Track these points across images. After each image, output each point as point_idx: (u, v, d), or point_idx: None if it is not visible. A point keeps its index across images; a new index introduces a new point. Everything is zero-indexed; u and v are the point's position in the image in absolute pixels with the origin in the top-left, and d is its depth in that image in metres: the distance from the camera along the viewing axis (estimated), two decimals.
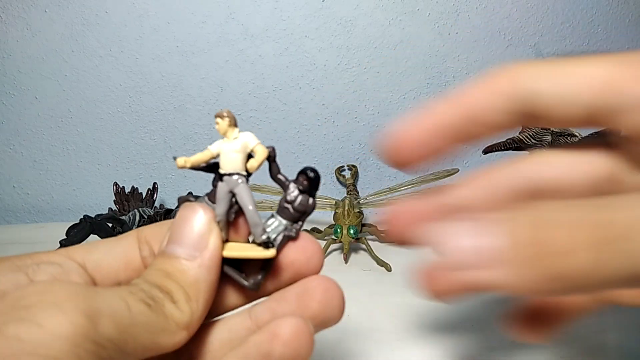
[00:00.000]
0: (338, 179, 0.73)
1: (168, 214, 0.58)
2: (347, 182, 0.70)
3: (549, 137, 0.56)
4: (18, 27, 0.68)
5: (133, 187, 0.67)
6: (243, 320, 0.25)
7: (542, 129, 0.58)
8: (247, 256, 0.25)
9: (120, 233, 0.59)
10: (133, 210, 0.63)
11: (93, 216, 0.59)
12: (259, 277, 0.25)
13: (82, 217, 0.59)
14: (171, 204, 0.71)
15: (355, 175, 0.72)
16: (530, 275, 0.19)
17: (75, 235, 0.58)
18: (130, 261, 0.26)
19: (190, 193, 0.28)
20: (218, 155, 0.25)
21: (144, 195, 0.67)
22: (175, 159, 0.25)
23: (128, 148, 0.72)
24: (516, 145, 0.56)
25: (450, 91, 0.24)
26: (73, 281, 0.23)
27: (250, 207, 0.25)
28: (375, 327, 0.44)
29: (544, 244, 0.18)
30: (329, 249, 0.60)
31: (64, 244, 0.58)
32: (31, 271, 0.22)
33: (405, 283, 0.52)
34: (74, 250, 0.25)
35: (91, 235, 0.58)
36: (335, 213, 0.61)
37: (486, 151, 0.56)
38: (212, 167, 0.26)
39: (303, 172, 0.26)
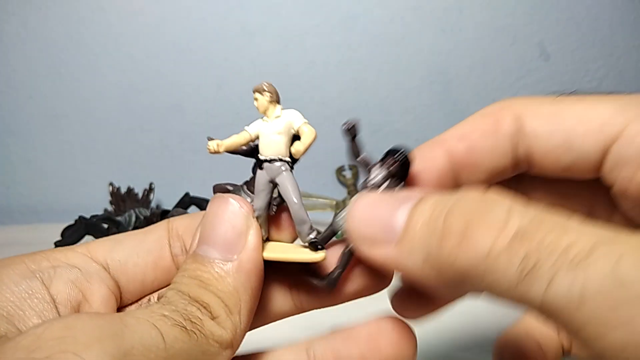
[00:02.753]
0: (339, 179, 0.72)
1: (164, 214, 0.57)
2: (348, 182, 0.69)
3: None
4: (13, 25, 0.68)
5: (129, 187, 0.66)
6: (298, 357, 0.22)
7: None
8: (291, 259, 0.21)
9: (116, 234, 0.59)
10: (129, 210, 0.62)
11: (88, 217, 0.58)
12: (335, 274, 0.21)
13: (77, 217, 0.58)
14: (168, 204, 0.70)
15: (356, 175, 0.71)
16: (418, 260, 0.17)
17: (70, 236, 0.57)
18: (159, 259, 0.23)
19: (232, 185, 0.24)
20: (257, 138, 0.21)
21: (140, 195, 0.66)
22: (208, 141, 0.21)
23: (124, 147, 0.71)
24: None
25: (442, 134, 0.22)
26: (96, 313, 0.20)
27: (296, 201, 0.21)
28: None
29: (442, 231, 0.16)
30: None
31: (59, 245, 0.57)
32: (47, 277, 0.20)
33: None
34: (96, 247, 0.22)
35: (86, 237, 0.58)
36: (336, 214, 0.60)
37: None
38: (252, 151, 0.22)
39: (392, 152, 0.22)
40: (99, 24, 0.67)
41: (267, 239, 0.22)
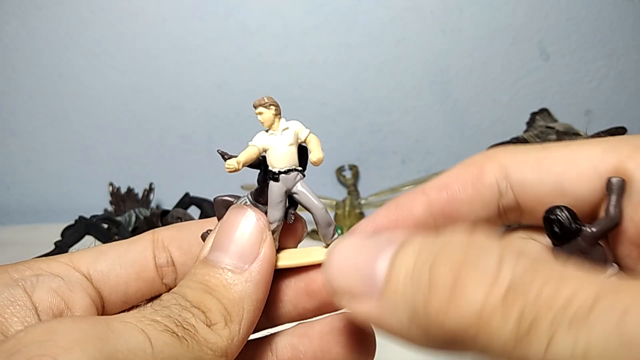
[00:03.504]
0: (339, 179, 0.72)
1: (164, 214, 0.57)
2: (348, 183, 0.69)
3: (554, 136, 0.55)
4: (12, 25, 0.67)
5: (129, 187, 0.66)
6: (262, 350, 0.23)
7: (547, 127, 0.57)
8: (314, 262, 0.22)
9: (116, 234, 0.59)
10: (129, 210, 0.62)
11: (88, 217, 0.58)
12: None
13: (77, 218, 0.58)
14: (168, 204, 0.70)
15: (356, 176, 0.71)
16: (403, 319, 0.15)
17: (70, 236, 0.57)
18: (142, 270, 0.23)
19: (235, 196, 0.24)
20: (264, 151, 0.22)
21: (140, 195, 0.66)
22: (224, 157, 0.22)
23: (124, 148, 0.71)
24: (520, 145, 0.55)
25: (424, 184, 0.22)
26: (80, 316, 0.20)
27: (321, 206, 0.22)
28: (376, 330, 0.43)
29: (428, 284, 0.15)
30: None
31: (59, 245, 0.57)
32: (29, 285, 0.20)
33: None
34: (79, 257, 0.22)
35: (86, 236, 0.57)
36: (336, 214, 0.60)
37: None
38: (259, 163, 0.23)
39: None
40: (99, 24, 0.67)
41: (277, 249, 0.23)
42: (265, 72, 0.69)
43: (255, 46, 0.68)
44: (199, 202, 0.60)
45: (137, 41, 0.68)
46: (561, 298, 0.13)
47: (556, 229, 0.19)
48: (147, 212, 0.62)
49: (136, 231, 0.59)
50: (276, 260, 0.21)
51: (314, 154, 0.22)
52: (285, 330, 0.23)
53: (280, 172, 0.22)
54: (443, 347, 0.15)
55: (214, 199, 0.23)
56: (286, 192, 0.22)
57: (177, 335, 0.17)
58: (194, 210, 0.60)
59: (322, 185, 0.71)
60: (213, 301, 0.19)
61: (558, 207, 0.19)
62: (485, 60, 0.71)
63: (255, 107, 0.21)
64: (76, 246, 0.56)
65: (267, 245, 0.21)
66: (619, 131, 0.55)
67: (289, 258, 0.22)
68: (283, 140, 0.22)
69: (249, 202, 0.23)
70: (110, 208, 0.65)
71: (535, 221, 0.21)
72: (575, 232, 0.19)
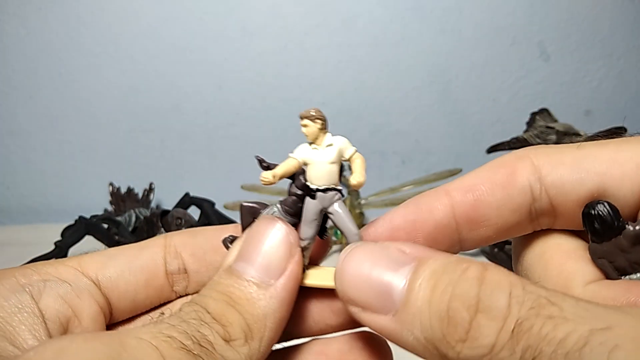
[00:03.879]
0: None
1: (164, 214, 0.57)
2: (348, 183, 0.69)
3: (554, 136, 0.55)
4: (12, 25, 0.67)
5: (129, 187, 0.66)
6: None
7: (547, 127, 0.57)
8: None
9: (116, 234, 0.59)
10: (129, 210, 0.62)
11: (88, 217, 0.58)
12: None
13: (77, 218, 0.58)
14: (168, 204, 0.70)
15: None
16: (419, 337, 0.16)
17: (70, 236, 0.57)
18: (152, 278, 0.22)
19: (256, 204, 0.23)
20: (304, 164, 0.21)
21: (140, 195, 0.66)
22: (261, 165, 0.21)
23: (124, 148, 0.71)
24: (521, 145, 0.55)
25: (448, 183, 0.21)
26: (92, 333, 0.19)
27: (356, 232, 0.21)
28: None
29: (447, 317, 0.16)
30: (329, 251, 0.59)
31: (59, 245, 0.57)
32: (36, 291, 0.19)
33: None
34: (88, 262, 0.22)
35: (86, 236, 0.57)
36: None
37: (490, 151, 0.55)
38: (296, 174, 0.22)
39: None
40: (98, 24, 0.68)
41: (305, 266, 0.22)
42: (265, 72, 0.69)
43: (255, 46, 0.69)
44: (199, 202, 0.60)
45: (137, 41, 0.68)
46: (560, 335, 0.14)
47: (597, 225, 0.18)
48: (147, 212, 0.62)
49: (136, 231, 0.59)
50: (302, 278, 0.21)
51: (355, 177, 0.21)
52: (299, 346, 0.22)
53: (317, 190, 0.21)
54: None
55: (241, 205, 0.22)
56: (321, 210, 0.21)
57: (193, 353, 0.17)
58: (194, 210, 0.60)
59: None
60: (235, 315, 0.18)
61: (600, 201, 0.18)
62: (485, 60, 0.71)
63: (301, 119, 0.20)
64: (76, 246, 0.56)
65: (295, 262, 0.20)
66: (619, 131, 0.56)
67: (316, 277, 0.21)
68: (325, 157, 0.20)
69: (278, 213, 0.21)
70: (110, 208, 0.65)
71: (571, 225, 0.20)
72: (618, 230, 0.18)
